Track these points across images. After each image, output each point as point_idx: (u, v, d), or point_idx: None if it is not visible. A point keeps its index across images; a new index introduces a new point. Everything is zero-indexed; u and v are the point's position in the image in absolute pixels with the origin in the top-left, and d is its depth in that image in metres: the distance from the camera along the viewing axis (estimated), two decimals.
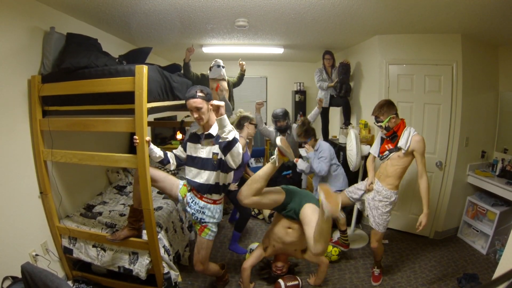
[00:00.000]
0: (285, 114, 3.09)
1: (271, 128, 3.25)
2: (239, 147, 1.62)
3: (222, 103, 1.58)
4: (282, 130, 3.11)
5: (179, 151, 1.99)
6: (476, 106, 2.90)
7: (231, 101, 3.02)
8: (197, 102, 1.72)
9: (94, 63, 1.86)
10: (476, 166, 3.00)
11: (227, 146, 1.60)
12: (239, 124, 2.64)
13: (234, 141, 1.60)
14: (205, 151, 1.83)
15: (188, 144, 1.92)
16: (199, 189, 1.84)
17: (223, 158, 1.70)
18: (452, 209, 2.98)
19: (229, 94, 2.95)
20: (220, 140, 1.65)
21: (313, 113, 3.15)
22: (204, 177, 1.82)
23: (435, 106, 2.88)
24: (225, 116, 1.58)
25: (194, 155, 1.87)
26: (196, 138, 1.89)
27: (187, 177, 1.91)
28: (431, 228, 3.04)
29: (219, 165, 1.78)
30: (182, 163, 1.97)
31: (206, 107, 1.75)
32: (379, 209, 2.15)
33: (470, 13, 2.17)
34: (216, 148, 1.78)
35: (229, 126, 1.59)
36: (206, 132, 1.83)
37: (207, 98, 1.74)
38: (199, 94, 1.72)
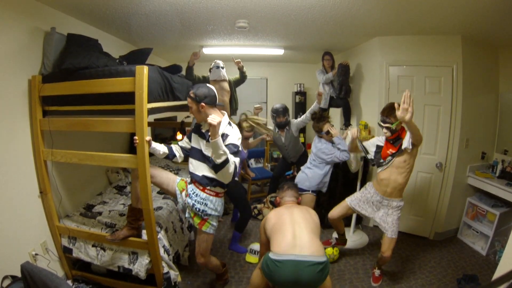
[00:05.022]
0: (285, 110, 3.03)
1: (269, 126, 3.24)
2: (228, 168, 1.65)
3: (214, 122, 1.55)
4: (281, 126, 3.08)
5: (184, 142, 2.00)
6: (476, 108, 2.90)
7: (234, 100, 3.01)
8: (188, 101, 1.77)
9: (95, 63, 1.87)
10: (476, 167, 3.00)
11: (215, 168, 1.66)
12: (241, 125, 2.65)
13: (222, 164, 1.63)
14: (210, 150, 1.83)
15: (193, 135, 1.92)
16: (202, 181, 1.83)
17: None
18: (452, 210, 2.98)
19: (231, 94, 2.94)
20: (211, 159, 1.70)
21: (312, 108, 3.03)
22: (208, 170, 1.81)
23: (435, 107, 2.88)
24: (217, 140, 1.58)
25: (199, 148, 1.87)
26: (201, 132, 1.88)
27: (190, 170, 1.89)
28: (431, 229, 3.04)
29: None
30: (189, 153, 1.97)
31: (195, 108, 1.75)
32: (393, 217, 2.14)
33: (470, 15, 2.17)
34: None
35: (220, 151, 1.60)
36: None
37: (197, 100, 1.73)
38: (190, 94, 1.76)
